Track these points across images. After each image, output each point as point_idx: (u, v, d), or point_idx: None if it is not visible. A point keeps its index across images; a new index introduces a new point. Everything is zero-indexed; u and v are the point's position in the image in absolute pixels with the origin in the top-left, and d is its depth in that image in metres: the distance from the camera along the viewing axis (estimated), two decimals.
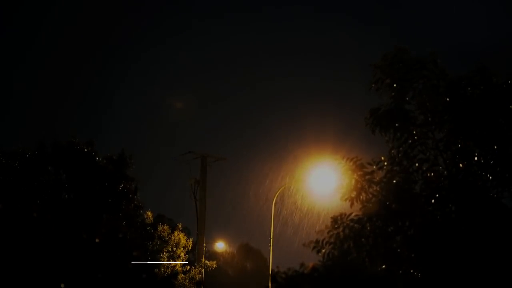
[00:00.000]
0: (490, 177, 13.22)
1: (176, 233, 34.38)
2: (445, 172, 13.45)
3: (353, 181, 13.51)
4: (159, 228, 33.88)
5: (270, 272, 24.89)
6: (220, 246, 59.15)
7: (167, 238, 33.93)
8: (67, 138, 28.88)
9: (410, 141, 13.59)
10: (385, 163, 13.55)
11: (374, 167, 13.57)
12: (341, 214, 13.36)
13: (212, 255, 47.10)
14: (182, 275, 34.60)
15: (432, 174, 13.44)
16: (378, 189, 13.42)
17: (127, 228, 28.95)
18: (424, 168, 13.47)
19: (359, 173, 13.51)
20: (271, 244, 36.66)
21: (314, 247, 13.33)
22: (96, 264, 27.82)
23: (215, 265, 37.23)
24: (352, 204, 13.54)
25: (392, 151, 13.63)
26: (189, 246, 34.95)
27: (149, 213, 33.16)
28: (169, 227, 34.47)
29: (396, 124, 13.59)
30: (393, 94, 13.82)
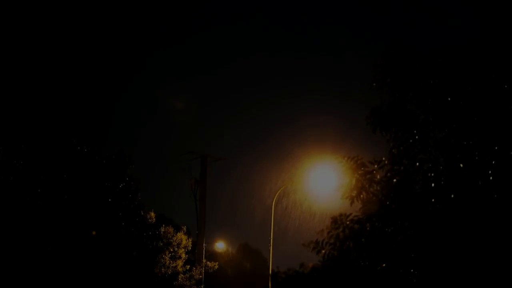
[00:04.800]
0: (491, 178, 13.19)
1: (179, 234, 34.51)
2: (445, 172, 13.41)
3: (354, 180, 13.49)
4: (162, 229, 33.94)
5: (270, 272, 24.87)
6: (220, 246, 59.20)
7: (171, 240, 34.04)
8: (67, 138, 28.87)
9: (411, 141, 13.56)
10: (386, 162, 13.53)
11: (375, 166, 13.55)
12: (340, 215, 13.33)
13: (212, 255, 47.09)
14: (183, 275, 34.63)
15: (433, 174, 13.40)
16: (378, 188, 13.40)
17: (126, 228, 28.94)
18: (425, 168, 13.44)
19: (359, 172, 13.48)
20: (271, 244, 36.64)
21: (314, 248, 13.30)
22: (96, 263, 27.77)
23: (216, 266, 37.24)
24: (352, 203, 13.51)
25: (393, 151, 13.61)
26: (188, 246, 34.98)
27: (152, 214, 33.23)
28: (173, 229, 34.60)
29: (397, 124, 13.57)
30: (394, 93, 13.80)
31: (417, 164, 13.47)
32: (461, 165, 13.32)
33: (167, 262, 33.63)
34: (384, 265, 13.08)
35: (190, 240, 35.53)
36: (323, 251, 13.20)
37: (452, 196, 13.11)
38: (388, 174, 13.47)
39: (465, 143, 13.36)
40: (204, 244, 38.52)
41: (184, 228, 35.42)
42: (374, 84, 13.99)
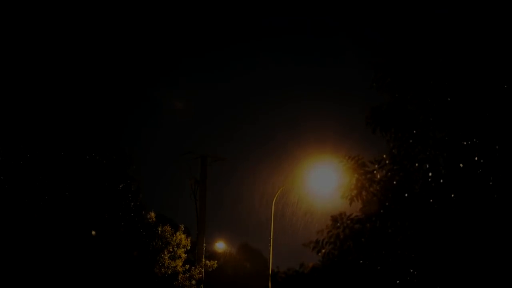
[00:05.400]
0: (491, 178, 13.19)
1: (178, 233, 34.48)
2: (445, 172, 13.41)
3: (354, 180, 13.49)
4: (160, 229, 33.93)
5: (270, 272, 24.87)
6: (220, 246, 59.20)
7: (169, 239, 34.02)
8: (67, 138, 28.88)
9: (410, 141, 13.57)
10: (387, 162, 13.54)
11: (376, 166, 13.55)
12: (340, 214, 13.34)
13: (212, 255, 47.05)
14: (182, 274, 34.64)
15: (432, 174, 13.40)
16: (378, 188, 13.41)
17: (126, 228, 28.96)
18: (425, 168, 13.44)
19: (360, 172, 13.48)
20: (271, 244, 36.65)
21: (314, 248, 13.30)
22: (96, 263, 27.81)
23: (215, 265, 37.25)
24: (352, 203, 13.51)
25: (393, 151, 13.61)
26: (187, 245, 34.98)
27: (152, 214, 33.23)
28: (171, 228, 34.56)
29: (397, 124, 13.58)
30: (394, 93, 13.81)
31: (417, 164, 13.47)
32: (461, 165, 13.32)
33: (166, 261, 33.62)
34: (384, 265, 13.09)
35: (189, 239, 35.53)
36: (323, 251, 13.20)
37: (452, 196, 13.11)
38: (388, 174, 13.48)
39: (465, 143, 13.36)
40: (204, 244, 38.52)
41: (182, 227, 35.31)
42: (374, 84, 14.00)
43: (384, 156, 13.61)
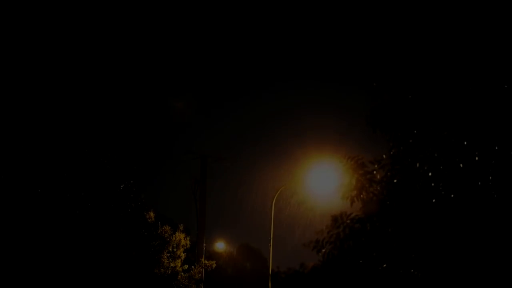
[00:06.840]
0: (491, 177, 13.20)
1: (177, 233, 34.42)
2: (445, 172, 13.42)
3: (354, 180, 13.50)
4: (159, 230, 33.88)
5: (270, 272, 24.91)
6: (220, 246, 59.30)
7: (168, 239, 33.97)
8: (68, 138, 28.88)
9: (410, 141, 13.58)
10: (386, 162, 13.55)
11: (376, 166, 13.56)
12: (341, 214, 13.35)
13: (212, 255, 47.08)
14: (182, 274, 34.62)
15: (432, 174, 13.41)
16: (379, 188, 13.42)
17: (126, 228, 28.96)
18: (425, 168, 13.45)
19: (360, 172, 13.50)
20: (271, 244, 36.67)
21: (314, 247, 13.31)
22: (97, 263, 27.82)
23: (214, 265, 37.24)
24: (352, 203, 13.52)
25: (393, 150, 13.62)
26: (186, 245, 34.94)
27: (151, 214, 33.18)
28: (170, 228, 34.49)
29: (397, 123, 13.59)
30: (394, 93, 13.82)
31: (417, 164, 13.48)
32: (461, 165, 13.33)
33: (166, 262, 33.58)
34: (384, 265, 13.10)
35: (188, 238, 35.49)
36: (323, 250, 13.21)
37: (452, 196, 13.12)
38: (388, 174, 13.49)
39: (465, 143, 13.37)
40: (204, 244, 38.52)
41: (181, 227, 35.22)
42: (375, 84, 14.01)
43: (384, 156, 13.62)
